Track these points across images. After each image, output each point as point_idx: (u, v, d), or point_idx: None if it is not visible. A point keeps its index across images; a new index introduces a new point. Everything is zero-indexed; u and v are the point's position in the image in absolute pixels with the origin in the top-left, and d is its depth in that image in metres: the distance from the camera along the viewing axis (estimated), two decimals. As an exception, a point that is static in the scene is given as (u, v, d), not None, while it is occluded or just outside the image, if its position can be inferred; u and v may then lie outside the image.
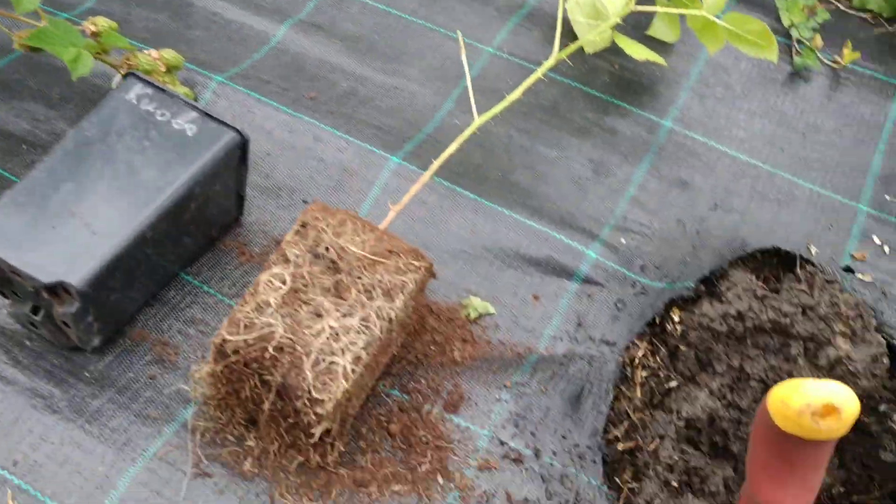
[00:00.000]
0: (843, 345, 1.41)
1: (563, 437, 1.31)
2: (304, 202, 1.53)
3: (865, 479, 1.54)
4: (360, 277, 1.24)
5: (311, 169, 1.56)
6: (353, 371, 1.15)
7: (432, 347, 1.42)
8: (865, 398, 1.47)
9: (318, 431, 1.15)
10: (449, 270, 1.48)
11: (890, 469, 1.48)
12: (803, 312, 1.43)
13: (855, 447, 1.53)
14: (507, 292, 1.47)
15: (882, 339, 1.41)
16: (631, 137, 1.68)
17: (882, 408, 1.48)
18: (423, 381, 1.37)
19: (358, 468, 1.26)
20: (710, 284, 1.54)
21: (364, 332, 1.19)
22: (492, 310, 1.46)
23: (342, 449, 1.26)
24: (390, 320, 1.22)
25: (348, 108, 1.65)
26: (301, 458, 1.24)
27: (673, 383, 1.47)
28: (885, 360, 1.40)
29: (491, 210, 1.54)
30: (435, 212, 1.53)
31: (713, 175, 1.64)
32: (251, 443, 1.25)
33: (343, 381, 1.14)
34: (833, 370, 1.40)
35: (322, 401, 1.12)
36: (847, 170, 1.66)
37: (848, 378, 1.38)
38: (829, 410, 0.98)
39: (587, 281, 1.48)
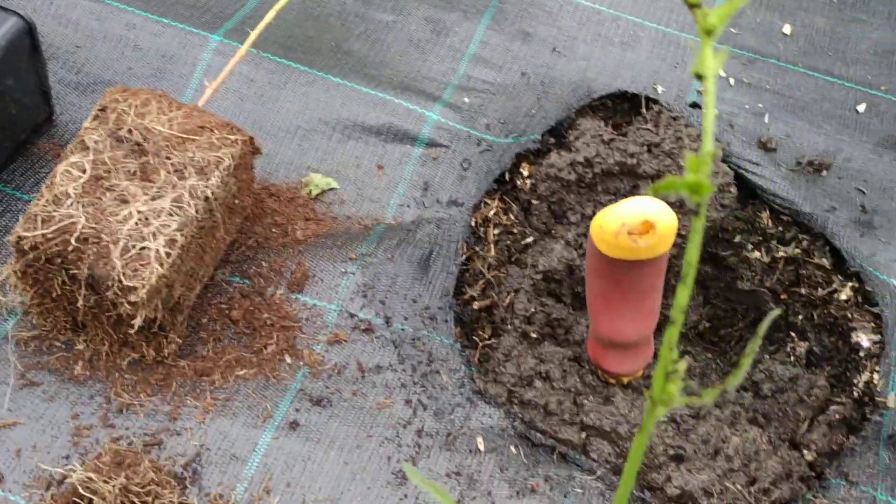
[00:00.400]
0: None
1: (414, 302, 1.28)
2: (124, 94, 1.42)
3: (729, 311, 1.56)
4: (168, 158, 1.16)
5: (128, 59, 1.45)
6: (167, 255, 1.09)
7: (274, 230, 1.35)
8: (719, 231, 1.48)
9: (137, 322, 1.08)
10: (286, 149, 1.41)
11: (749, 297, 1.50)
12: (649, 151, 1.41)
13: (716, 282, 1.54)
14: (349, 165, 1.41)
15: (729, 169, 1.40)
16: (470, -7, 1.60)
17: (737, 239, 1.48)
18: (264, 264, 1.31)
19: (199, 358, 1.21)
20: (560, 135, 1.51)
21: (177, 214, 1.11)
22: (335, 184, 1.40)
23: (179, 341, 1.20)
24: (206, 199, 1.14)
25: (163, -10, 1.53)
26: (135, 355, 1.18)
27: (529, 239, 1.44)
28: (734, 190, 1.40)
29: (325, 82, 1.46)
30: (265, 89, 1.44)
31: (556, 24, 1.58)
32: (81, 346, 1.19)
33: (157, 266, 1.07)
34: (683, 204, 1.39)
35: (134, 288, 1.06)
36: (692, 5, 1.62)
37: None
38: (645, 227, 0.96)
39: (431, 144, 1.42)
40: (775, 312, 0.57)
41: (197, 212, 1.13)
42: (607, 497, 1.15)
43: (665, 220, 0.96)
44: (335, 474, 1.13)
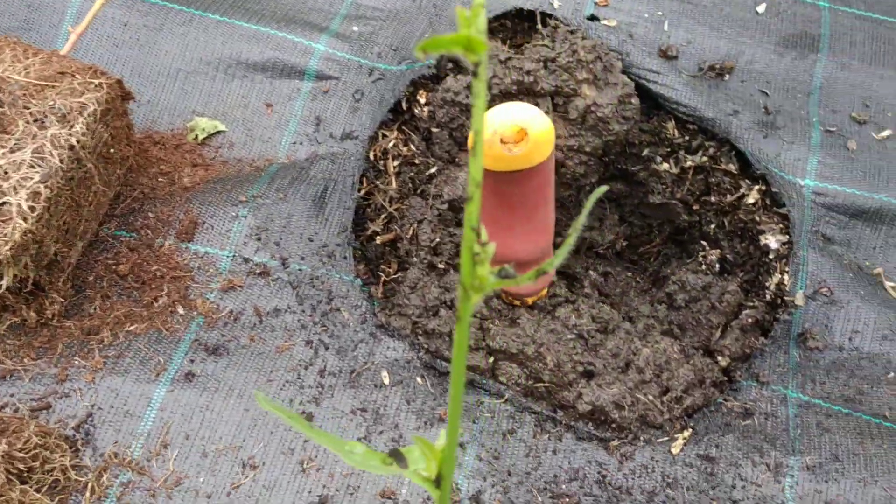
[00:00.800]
0: (588, 92, 1.35)
1: (310, 240, 1.24)
2: (-11, 49, 1.34)
3: (646, 228, 1.54)
4: (26, 107, 1.09)
5: (-9, 11, 1.36)
6: (31, 209, 1.03)
7: (160, 179, 1.29)
8: (626, 146, 1.45)
9: (5, 282, 1.03)
10: (168, 94, 1.34)
11: (662, 210, 1.48)
12: (545, 67, 1.36)
13: (630, 199, 1.52)
14: (236, 106, 1.35)
15: (628, 80, 1.36)
16: (354, -82, 1.53)
17: (645, 152, 1.45)
18: (151, 215, 1.25)
19: (86, 317, 1.16)
20: (457, 59, 1.46)
21: (39, 165, 1.05)
22: (222, 127, 1.34)
23: (62, 301, 1.14)
24: (72, 147, 1.08)
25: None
26: (15, 319, 1.12)
27: (433, 168, 1.40)
28: (635, 101, 1.36)
29: (204, 20, 1.38)
30: (141, 33, 1.36)
31: (446, -57, 1.52)
32: (-43, 315, 1.13)
33: (20, 221, 1.01)
34: (585, 120, 1.35)
35: (-4, 245, 1.00)
36: (586, -85, 1.57)
37: (601, 126, 1.34)
38: (519, 134, 0.92)
39: (320, 77, 1.37)
40: (601, 189, 0.54)
41: (62, 162, 1.07)
42: (517, 419, 1.13)
43: (537, 125, 0.92)
44: (235, 422, 1.09)
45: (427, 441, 0.57)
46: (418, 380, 1.15)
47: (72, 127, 1.09)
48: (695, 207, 1.45)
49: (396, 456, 0.61)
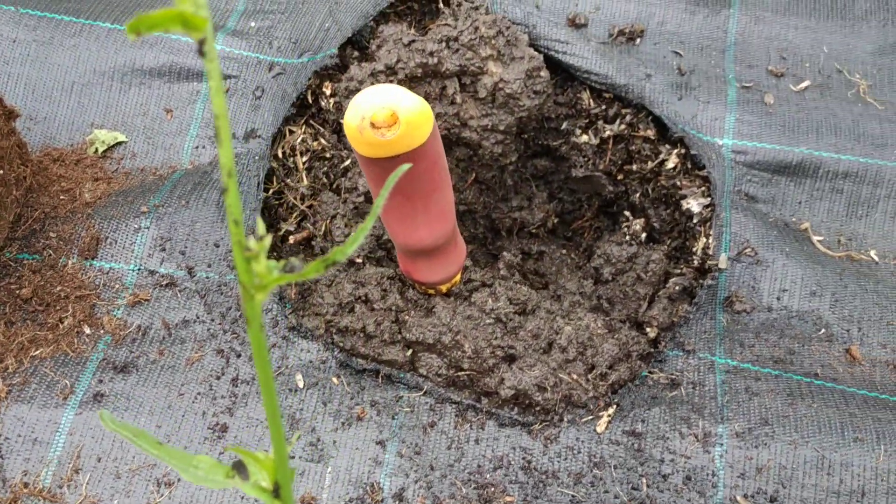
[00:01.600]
0: (494, 69, 1.33)
1: (216, 246, 1.21)
2: None
3: (576, 203, 1.52)
4: None
5: None
6: None
7: (61, 197, 1.26)
8: (543, 120, 1.42)
9: None
10: (64, 108, 1.31)
11: (587, 184, 1.45)
12: (448, 46, 1.33)
13: (556, 175, 1.50)
14: (135, 114, 1.32)
15: (535, 53, 1.34)
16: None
17: (564, 126, 1.43)
18: (53, 234, 1.22)
19: (-11, 346, 1.13)
20: (363, 47, 1.43)
21: (-86, 194, 1.02)
22: (122, 138, 1.31)
23: (-39, 331, 1.11)
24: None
25: None
26: (-87, 355, 1.10)
27: (347, 162, 1.38)
28: (544, 74, 1.33)
29: (95, 29, 1.35)
30: (31, 48, 1.33)
31: (343, -72, 1.49)
32: None
33: None
34: (495, 99, 1.33)
35: None
36: None
37: (511, 103, 1.31)
38: (390, 118, 0.89)
39: (219, 77, 1.33)
40: (404, 167, 0.51)
41: (-60, 189, 1.03)
42: (437, 411, 1.11)
43: (408, 106, 0.89)
44: (147, 440, 1.06)
45: (253, 453, 0.55)
46: (334, 380, 1.12)
47: (-52, 152, 1.06)
48: (619, 177, 1.43)
49: (239, 468, 0.59)
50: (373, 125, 0.88)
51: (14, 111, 1.17)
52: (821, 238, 1.29)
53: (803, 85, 1.38)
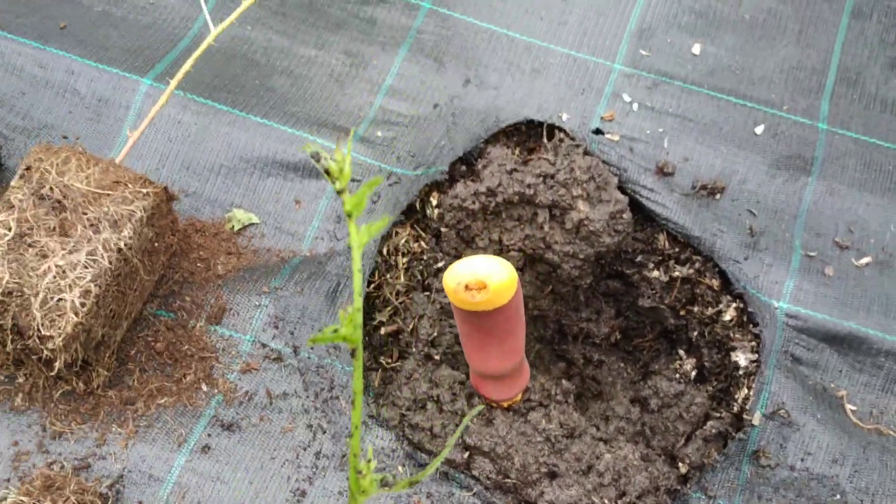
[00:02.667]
0: (582, 207, 1.50)
1: (320, 332, 1.42)
2: (65, 138, 1.57)
3: (640, 322, 1.68)
4: (85, 213, 1.30)
5: (68, 103, 1.60)
6: (82, 304, 1.24)
7: (199, 264, 1.50)
8: (621, 252, 1.59)
9: (58, 364, 1.25)
10: (211, 186, 1.55)
11: (652, 312, 1.61)
12: (544, 181, 1.52)
13: (626, 297, 1.66)
14: (269, 200, 1.55)
15: (621, 196, 1.51)
16: (390, 24, 1.71)
17: (638, 259, 1.59)
18: (188, 298, 1.46)
19: (125, 388, 1.37)
20: (471, 164, 1.62)
21: (91, 266, 1.27)
22: (255, 219, 1.54)
23: (106, 374, 1.36)
24: (119, 250, 1.29)
25: (101, 33, 1.66)
26: (67, 387, 1.35)
27: (441, 263, 1.57)
28: (626, 216, 1.50)
29: (246, 121, 1.59)
30: (191, 130, 1.57)
31: (470, 53, 1.68)
32: (21, 380, 1.36)
33: (73, 316, 1.23)
34: (579, 232, 1.50)
35: (51, 337, 1.22)
36: (605, 29, 1.70)
37: (593, 238, 1.48)
38: (479, 284, 1.08)
39: (343, 178, 1.55)
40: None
41: (111, 263, 1.28)
42: (482, 512, 1.29)
43: (497, 278, 1.08)
44: (241, 493, 1.29)
45: None
46: (399, 468, 1.32)
47: (121, 232, 1.30)
48: (681, 313, 1.58)
49: None
50: (467, 287, 1.07)
51: (174, 196, 1.41)
52: (854, 408, 1.42)
53: (864, 260, 1.50)
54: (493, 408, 1.38)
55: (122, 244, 1.29)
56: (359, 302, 0.62)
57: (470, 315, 1.15)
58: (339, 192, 0.61)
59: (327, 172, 0.61)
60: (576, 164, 1.52)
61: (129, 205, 1.32)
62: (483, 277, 1.07)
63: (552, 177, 1.52)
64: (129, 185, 1.34)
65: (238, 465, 1.31)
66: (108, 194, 1.33)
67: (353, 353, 0.62)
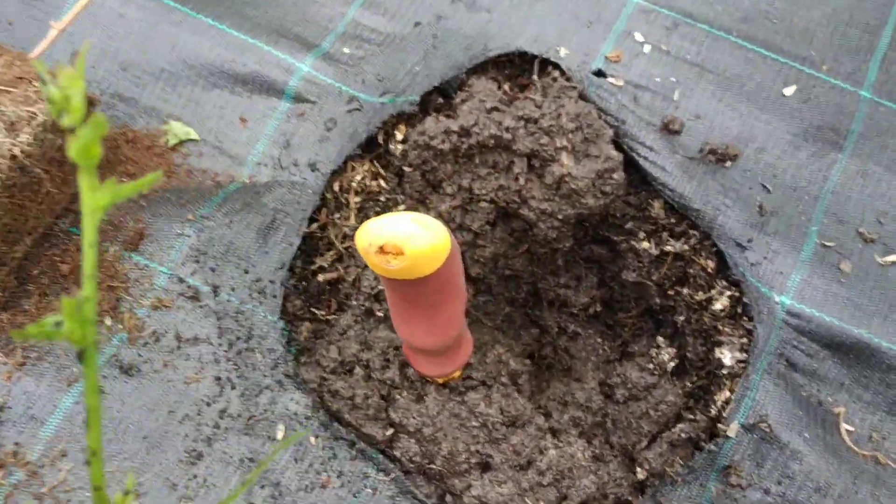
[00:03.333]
0: (566, 161, 1.29)
1: (245, 272, 1.25)
2: (-6, 23, 1.39)
3: (624, 297, 1.48)
4: (-23, 111, 1.13)
5: (2, -18, 1.41)
6: (-39, 218, 1.08)
7: (125, 180, 1.33)
8: (608, 216, 1.38)
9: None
10: (149, 93, 1.36)
11: (636, 288, 1.41)
12: (526, 126, 1.30)
13: (611, 266, 1.46)
14: (212, 115, 1.36)
15: (614, 153, 1.29)
16: (377, -75, 1.47)
17: (628, 225, 1.39)
18: (104, 217, 1.29)
19: (21, 312, 1.22)
20: (448, 97, 1.41)
21: (-24, 173, 1.10)
22: (194, 135, 1.35)
23: (1, 294, 1.21)
24: (14, 157, 1.12)
25: None
26: (-46, 306, 1.20)
27: (400, 207, 1.38)
28: (617, 177, 1.29)
29: (197, 22, 1.38)
30: (134, 27, 1.38)
31: (464, -33, 1.45)
32: None
33: (-51, 229, 1.07)
34: (559, 188, 1.30)
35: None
36: (626, -47, 1.45)
37: (574, 197, 1.28)
38: (396, 249, 0.89)
39: (298, 99, 1.35)
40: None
41: (1, 172, 1.11)
42: (395, 501, 1.13)
43: (417, 243, 0.88)
44: (131, 447, 1.14)
45: None
46: (311, 440, 1.16)
47: (17, 136, 1.12)
48: (669, 293, 1.38)
49: None
50: (381, 250, 0.88)
51: (94, 99, 1.23)
52: (851, 429, 1.21)
53: (891, 258, 1.28)
54: (427, 382, 1.20)
55: (17, 150, 1.12)
56: (90, 289, 0.44)
57: (391, 282, 0.96)
58: (67, 131, 0.42)
59: (51, 102, 0.42)
60: (564, 109, 1.30)
61: (31, 105, 1.14)
62: (400, 241, 0.87)
63: (535, 122, 1.30)
64: (34, 84, 1.16)
65: (131, 415, 1.16)
66: (8, 91, 1.14)
67: (80, 357, 0.44)
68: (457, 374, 1.19)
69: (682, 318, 1.35)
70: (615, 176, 1.29)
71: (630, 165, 1.33)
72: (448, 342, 1.09)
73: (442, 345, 1.08)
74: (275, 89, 1.35)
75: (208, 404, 1.17)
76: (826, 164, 1.32)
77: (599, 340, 1.50)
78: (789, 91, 1.35)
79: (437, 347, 1.08)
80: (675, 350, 1.33)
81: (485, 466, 1.16)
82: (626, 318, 1.49)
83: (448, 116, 1.35)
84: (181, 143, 1.35)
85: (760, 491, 1.16)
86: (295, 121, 1.34)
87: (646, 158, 1.31)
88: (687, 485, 1.16)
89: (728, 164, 1.32)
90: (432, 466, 1.15)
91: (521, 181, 1.30)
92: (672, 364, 1.32)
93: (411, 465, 1.16)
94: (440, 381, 1.19)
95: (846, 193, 1.30)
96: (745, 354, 1.24)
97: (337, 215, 1.34)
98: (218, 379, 1.18)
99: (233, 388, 1.18)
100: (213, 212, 1.28)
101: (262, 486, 1.13)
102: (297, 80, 1.35)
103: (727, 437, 1.18)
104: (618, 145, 1.33)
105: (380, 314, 1.31)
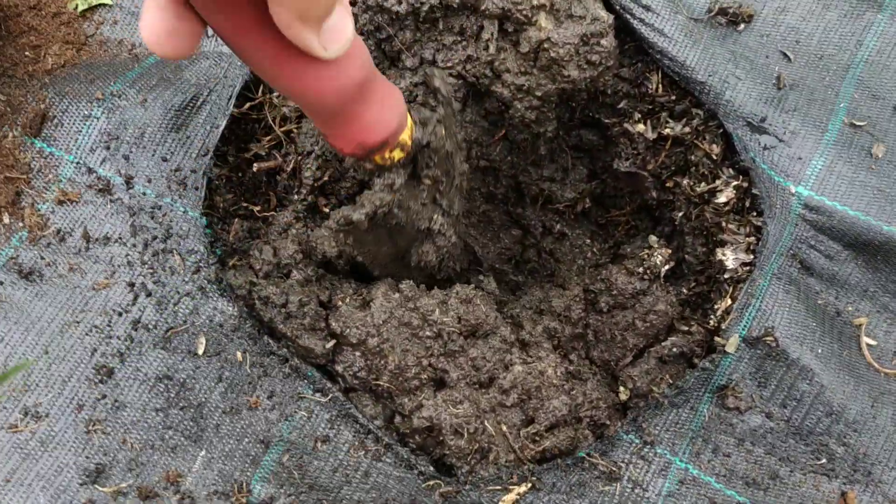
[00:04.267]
0: (544, 23, 1.08)
1: (164, 160, 1.07)
2: None
3: (618, 191, 1.29)
4: None
5: None
6: None
7: (27, 53, 1.14)
8: (598, 93, 1.18)
9: None
10: (52, -52, 1.15)
11: (629, 180, 1.22)
12: (494, -19, 1.08)
13: (603, 155, 1.27)
14: (126, -26, 1.15)
15: (603, 13, 1.07)
16: None
17: (621, 105, 1.18)
18: (3, 96, 1.11)
19: None
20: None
21: None
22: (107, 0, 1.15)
23: None
24: None
25: None
26: None
27: (353, 84, 1.18)
28: (606, 43, 1.08)
29: None
30: None
31: None
32: None
33: None
34: (537, 58, 1.09)
35: None
36: None
37: (555, 68, 1.07)
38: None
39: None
40: None
41: None
42: (335, 426, 0.98)
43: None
44: (29, 362, 1.00)
45: None
46: (238, 355, 1.00)
47: None
48: (667, 185, 1.19)
49: None
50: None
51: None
52: (873, 343, 1.04)
53: (934, 140, 1.07)
54: (374, 279, 1.03)
55: None
56: None
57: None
58: None
59: None
60: (541, -40, 1.07)
61: None
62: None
63: (505, -25, 1.08)
64: None
65: (31, 326, 1.01)
66: None
67: None
68: (394, 153, 0.87)
69: (680, 213, 1.16)
70: (604, 42, 1.08)
71: (623, 30, 1.12)
72: (355, 83, 0.76)
73: (347, 89, 0.75)
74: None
75: (120, 314, 1.01)
76: (861, 26, 1.09)
77: (588, 242, 1.33)
78: (821, -64, 1.11)
79: (340, 98, 0.75)
80: (669, 251, 1.14)
81: (439, 383, 1.01)
82: (619, 215, 1.30)
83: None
84: (92, 8, 1.15)
85: (762, 415, 1.00)
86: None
87: (642, 20, 1.09)
88: (675, 408, 1.00)
89: (741, 26, 1.10)
90: (379, 383, 1.00)
91: (492, 49, 1.10)
92: (666, 268, 1.14)
93: (355, 382, 1.01)
94: (378, 159, 0.87)
95: (884, 62, 1.08)
96: (751, 256, 1.06)
97: (275, 93, 1.15)
98: (131, 285, 1.02)
99: (148, 295, 1.02)
100: (126, 88, 1.09)
101: (182, 408, 0.98)
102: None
103: (725, 353, 1.00)
104: (609, 4, 1.11)
105: (326, 210, 1.13)
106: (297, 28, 0.65)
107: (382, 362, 0.99)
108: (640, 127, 1.17)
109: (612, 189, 1.29)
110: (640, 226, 1.29)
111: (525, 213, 1.33)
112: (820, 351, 1.00)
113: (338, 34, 0.69)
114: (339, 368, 1.01)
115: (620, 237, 1.31)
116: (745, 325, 1.01)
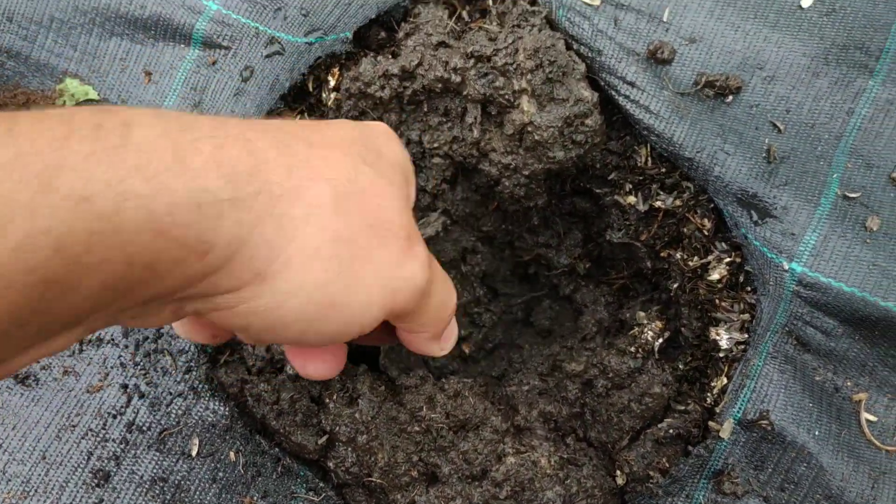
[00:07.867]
0: (527, 107, 1.11)
1: (153, 259, 1.11)
2: None
3: (614, 255, 1.32)
4: None
5: None
6: None
7: (18, 151, 1.19)
8: (587, 167, 1.21)
9: None
10: (39, 47, 1.21)
11: (624, 250, 1.25)
12: (475, 67, 1.11)
13: (598, 221, 1.29)
14: (112, 69, 1.20)
15: (586, 93, 1.10)
16: None
17: (612, 177, 1.21)
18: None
19: None
20: (392, 31, 1.23)
21: None
22: (93, 94, 1.20)
23: None
24: None
25: None
26: None
27: (341, 166, 1.22)
28: (591, 122, 1.11)
29: (87, -45, 1.21)
30: (16, -35, 1.21)
31: None
32: None
33: None
34: (522, 140, 1.12)
35: None
36: None
37: (540, 150, 1.10)
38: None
39: (208, 44, 1.18)
40: None
41: None
42: (327, 525, 1.02)
43: None
44: (28, 469, 1.05)
45: None
46: (231, 455, 1.05)
47: None
48: (662, 255, 1.21)
49: None
50: None
51: (-44, 66, 1.08)
52: (874, 419, 1.05)
53: (931, 209, 1.08)
54: (355, 375, 1.06)
55: None
56: None
57: None
58: None
59: None
60: (522, 42, 1.10)
61: None
62: None
63: (487, 59, 1.11)
64: None
65: (28, 433, 1.06)
66: None
67: None
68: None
69: (675, 285, 1.18)
70: (588, 122, 1.11)
71: (610, 102, 1.14)
72: None
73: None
74: (181, 34, 1.18)
75: (114, 416, 1.06)
76: (852, 93, 1.10)
77: (596, 302, 1.35)
78: (807, 2, 1.13)
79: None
80: (661, 325, 1.16)
81: (431, 478, 1.04)
82: (619, 277, 1.33)
83: (394, 55, 1.17)
84: (79, 104, 1.20)
85: (759, 499, 1.02)
86: (206, 71, 1.17)
87: (627, 97, 1.12)
88: (670, 496, 1.02)
89: (729, 98, 1.12)
90: (371, 479, 1.03)
91: (476, 134, 1.13)
92: (660, 341, 1.16)
93: (348, 478, 1.04)
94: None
95: (876, 130, 1.09)
96: (745, 335, 1.07)
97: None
98: (125, 387, 1.07)
99: (141, 396, 1.07)
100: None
101: (177, 510, 1.03)
102: (205, 21, 1.17)
103: (719, 439, 1.02)
104: (594, 82, 1.14)
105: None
106: (427, 345, 0.84)
107: (373, 458, 1.02)
108: (631, 199, 1.19)
109: (608, 252, 1.32)
110: (639, 289, 1.31)
111: (534, 271, 1.37)
112: (818, 432, 1.02)
113: (453, 335, 0.89)
114: (332, 464, 1.04)
115: (623, 299, 1.34)
116: (739, 408, 1.03)
